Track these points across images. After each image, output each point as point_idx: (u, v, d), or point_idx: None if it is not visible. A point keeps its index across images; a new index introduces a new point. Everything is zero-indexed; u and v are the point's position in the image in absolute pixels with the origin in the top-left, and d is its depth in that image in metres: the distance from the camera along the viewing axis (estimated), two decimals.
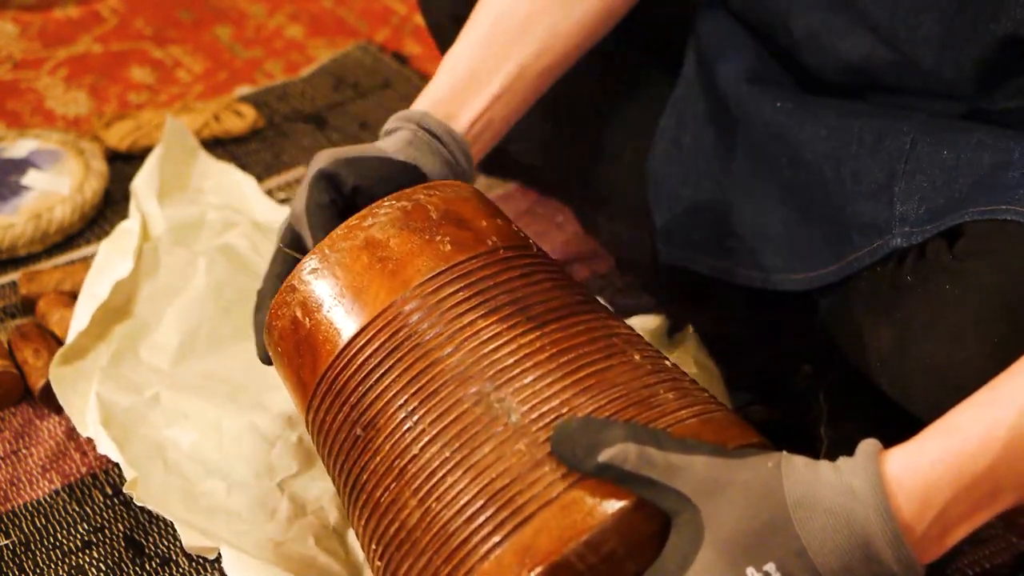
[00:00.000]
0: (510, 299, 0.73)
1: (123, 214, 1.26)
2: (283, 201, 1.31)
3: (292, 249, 0.87)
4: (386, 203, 0.77)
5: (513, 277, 0.74)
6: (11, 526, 0.98)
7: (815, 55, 0.93)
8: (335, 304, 0.74)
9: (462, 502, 0.66)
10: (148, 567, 0.95)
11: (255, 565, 0.89)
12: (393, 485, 0.70)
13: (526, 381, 0.69)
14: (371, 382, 0.72)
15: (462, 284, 0.73)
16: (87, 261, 1.20)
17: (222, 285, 1.13)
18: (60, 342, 1.11)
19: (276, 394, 1.04)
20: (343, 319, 0.74)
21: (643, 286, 1.19)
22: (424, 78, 1.55)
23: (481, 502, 0.66)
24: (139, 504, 0.94)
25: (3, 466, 1.04)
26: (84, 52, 1.62)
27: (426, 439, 0.69)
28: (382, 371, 0.71)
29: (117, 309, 1.10)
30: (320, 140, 1.43)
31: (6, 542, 0.97)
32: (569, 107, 1.09)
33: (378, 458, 0.71)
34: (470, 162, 0.93)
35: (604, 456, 0.63)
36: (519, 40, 0.94)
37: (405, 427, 0.70)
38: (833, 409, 0.93)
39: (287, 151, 1.42)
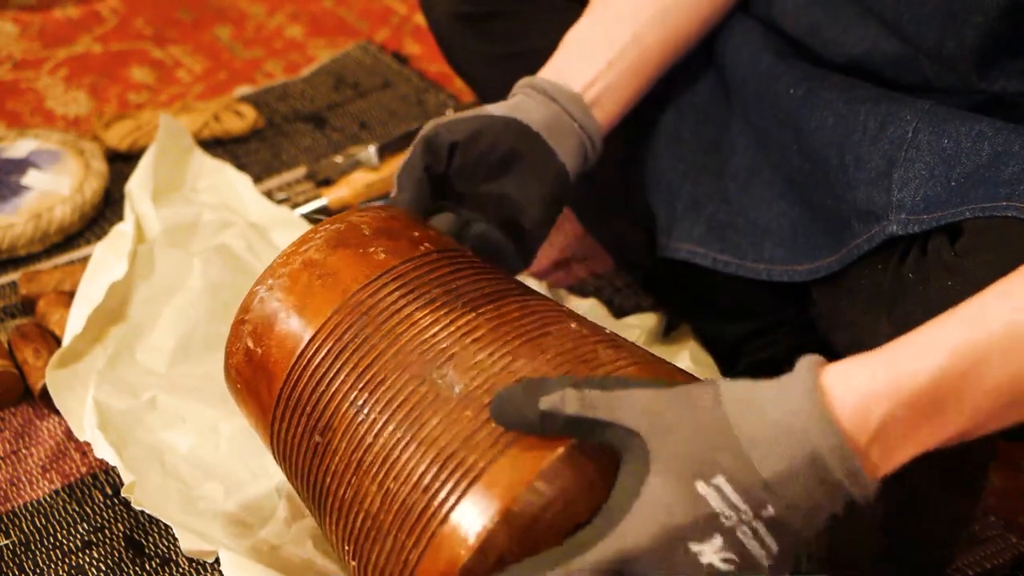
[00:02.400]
0: (443, 291, 0.76)
1: (122, 214, 1.26)
2: (282, 201, 1.31)
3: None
4: (321, 228, 0.81)
5: (445, 273, 0.78)
6: (11, 526, 0.98)
7: (819, 49, 0.93)
8: (282, 326, 0.78)
9: (417, 475, 0.69)
10: (148, 567, 0.95)
11: (254, 568, 0.89)
12: (353, 479, 0.72)
13: (466, 356, 0.72)
14: (323, 389, 0.75)
15: (397, 285, 0.76)
16: (87, 261, 1.20)
17: (218, 286, 1.13)
18: (60, 342, 1.11)
19: None
20: (290, 337, 0.77)
21: (643, 285, 1.19)
22: (424, 78, 1.55)
23: (435, 470, 0.68)
24: (137, 507, 0.94)
25: (3, 466, 1.04)
26: (84, 52, 1.62)
27: (378, 427, 0.71)
28: (331, 376, 0.74)
29: (112, 312, 1.10)
30: (320, 140, 1.43)
31: (6, 542, 0.97)
32: None
33: (337, 457, 0.73)
34: (590, 119, 0.93)
35: (544, 404, 0.65)
36: (632, 13, 0.96)
37: (358, 421, 0.72)
38: None
39: (287, 151, 1.42)
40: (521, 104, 0.92)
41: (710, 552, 0.63)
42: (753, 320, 1.06)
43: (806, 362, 0.65)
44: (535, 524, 0.65)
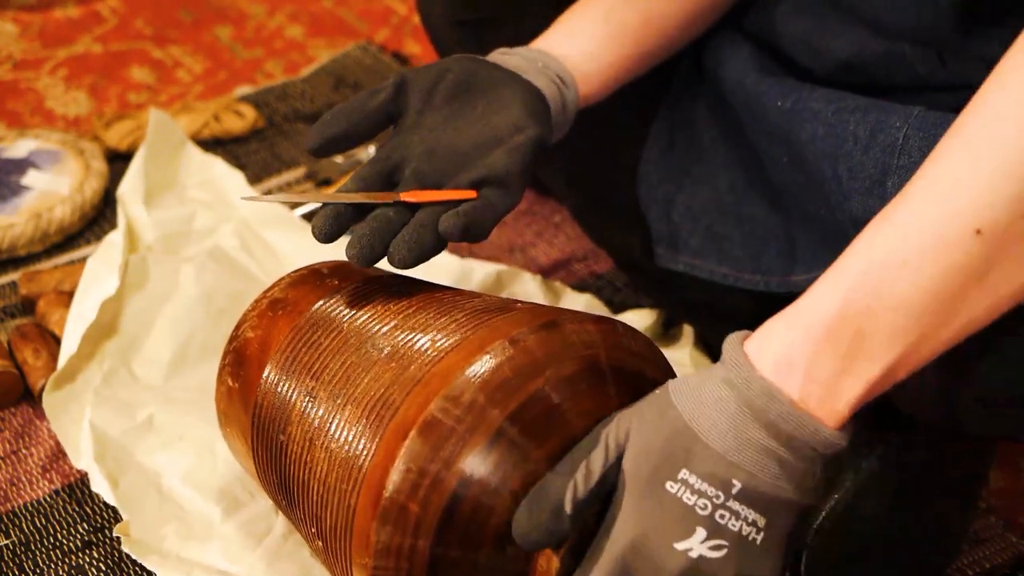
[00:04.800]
0: (385, 296, 0.83)
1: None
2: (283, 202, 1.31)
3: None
4: (286, 276, 0.89)
5: (392, 286, 0.85)
6: (11, 526, 0.98)
7: (807, 57, 0.93)
8: (251, 355, 0.85)
9: (352, 428, 0.75)
10: (148, 567, 0.95)
11: None
12: (308, 457, 0.78)
13: (394, 329, 0.79)
14: (284, 395, 0.81)
15: (347, 299, 0.83)
16: (87, 261, 1.20)
17: (212, 292, 1.12)
18: (60, 342, 1.11)
19: None
20: (257, 362, 0.84)
21: (642, 287, 1.19)
22: None
23: (365, 417, 0.74)
24: (125, 551, 0.93)
25: (3, 466, 1.04)
26: (84, 52, 1.62)
27: (323, 402, 0.78)
28: (289, 383, 0.81)
29: (106, 327, 1.10)
30: None
31: (6, 542, 0.97)
32: None
33: (295, 444, 0.79)
34: (570, 82, 0.91)
35: (568, 506, 0.67)
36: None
37: (310, 408, 0.79)
38: None
39: (287, 151, 1.42)
40: (494, 55, 0.92)
41: (697, 545, 0.65)
42: (753, 323, 1.07)
43: (730, 338, 0.68)
44: (450, 435, 0.70)
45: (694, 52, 1.03)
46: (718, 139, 1.00)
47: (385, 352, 0.77)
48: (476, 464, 0.69)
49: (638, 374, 0.75)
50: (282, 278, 0.89)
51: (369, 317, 0.81)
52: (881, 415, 0.92)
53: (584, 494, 0.67)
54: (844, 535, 0.91)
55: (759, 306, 1.02)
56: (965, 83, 0.85)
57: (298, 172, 1.38)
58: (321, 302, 0.84)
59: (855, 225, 0.85)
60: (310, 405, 0.79)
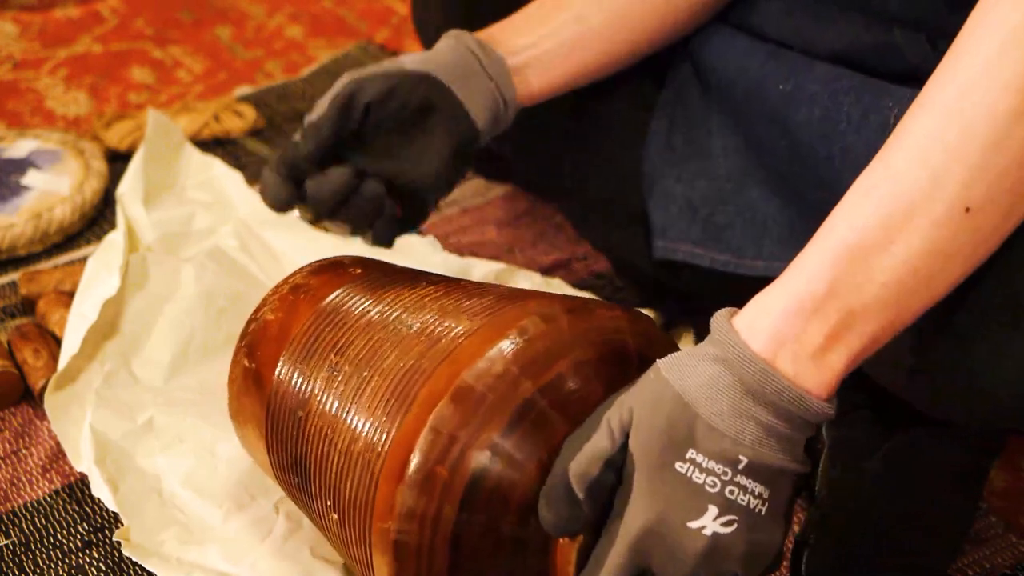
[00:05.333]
0: (408, 281, 0.84)
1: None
2: None
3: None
4: (307, 265, 0.90)
5: (411, 275, 0.87)
6: (11, 526, 0.98)
7: (801, 49, 0.93)
8: (270, 338, 0.85)
9: (381, 400, 0.75)
10: (149, 568, 0.95)
11: None
12: (328, 429, 0.77)
13: (424, 308, 0.80)
14: (305, 370, 0.81)
15: (371, 285, 0.85)
16: (87, 261, 1.20)
17: (212, 292, 1.12)
18: (60, 342, 1.11)
19: None
20: (276, 341, 0.85)
21: (641, 287, 1.19)
22: None
23: (394, 386, 0.74)
24: (126, 554, 0.93)
25: (3, 466, 1.04)
26: (84, 52, 1.62)
27: (348, 376, 0.78)
28: (313, 360, 0.81)
29: (107, 327, 1.10)
30: None
31: (6, 542, 0.97)
32: (559, 111, 1.10)
33: (314, 418, 0.79)
34: (508, 83, 0.95)
35: (580, 492, 0.68)
36: None
37: (332, 380, 0.79)
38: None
39: None
40: (439, 54, 0.95)
41: (710, 523, 0.66)
42: None
43: (718, 315, 0.69)
44: (483, 401, 0.70)
45: (688, 51, 1.03)
46: (715, 129, 1.00)
47: (414, 328, 0.77)
48: (506, 433, 0.70)
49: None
50: (302, 267, 0.90)
51: (395, 299, 0.82)
52: (882, 416, 0.92)
53: (594, 477, 0.67)
54: (847, 534, 0.90)
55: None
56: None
57: None
58: (344, 288, 0.85)
59: None
60: (334, 379, 0.79)
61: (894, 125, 0.81)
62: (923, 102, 0.68)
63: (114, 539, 0.94)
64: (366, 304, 0.82)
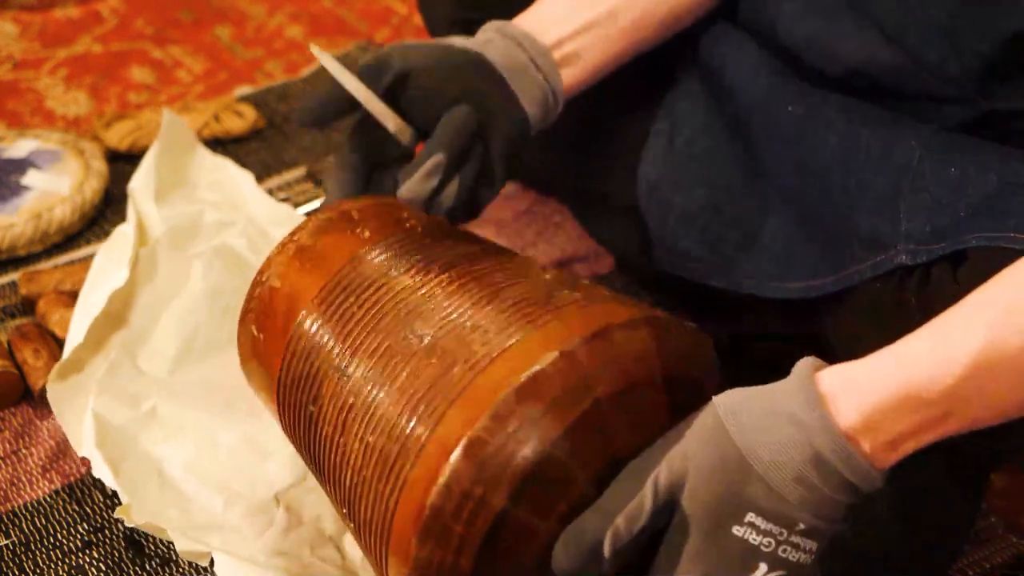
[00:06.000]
0: (422, 256, 0.80)
1: (123, 214, 1.26)
2: (282, 200, 1.31)
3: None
4: (313, 216, 0.85)
5: (427, 243, 0.82)
6: (11, 526, 0.98)
7: (816, 59, 0.92)
8: (278, 310, 0.83)
9: (391, 424, 0.72)
10: (148, 567, 0.95)
11: (249, 571, 0.89)
12: (341, 440, 0.75)
13: (435, 311, 0.76)
14: (312, 361, 0.79)
15: (380, 257, 0.81)
16: (87, 261, 1.20)
17: (219, 289, 1.13)
18: (60, 342, 1.11)
19: None
20: (284, 317, 0.82)
21: (641, 286, 1.19)
22: None
23: (405, 417, 0.72)
24: (130, 526, 0.93)
25: (3, 466, 1.04)
26: (84, 52, 1.62)
27: (358, 387, 0.75)
28: (319, 349, 0.79)
29: (113, 318, 1.10)
30: (320, 140, 1.43)
31: (6, 542, 0.97)
32: (569, 110, 1.10)
33: (326, 424, 0.77)
34: (556, 76, 0.92)
35: (608, 552, 0.67)
36: None
37: (342, 385, 0.76)
38: None
39: (287, 151, 1.42)
40: (488, 44, 0.91)
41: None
42: (753, 322, 1.06)
43: (803, 366, 0.67)
44: (497, 455, 0.67)
45: (694, 50, 1.03)
46: (718, 139, 1.00)
47: (425, 343, 0.74)
48: (522, 486, 0.68)
49: (688, 380, 0.73)
50: (308, 220, 0.86)
51: (406, 288, 0.78)
52: None
53: (627, 539, 0.67)
54: (845, 535, 0.90)
55: (758, 304, 1.02)
56: (981, 102, 0.85)
57: (298, 172, 1.38)
58: (352, 261, 0.81)
59: (861, 240, 0.85)
60: (343, 384, 0.77)
61: (917, 166, 0.81)
62: None
63: (116, 515, 0.94)
64: (376, 290, 0.79)
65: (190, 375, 1.08)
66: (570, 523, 0.69)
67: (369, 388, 0.75)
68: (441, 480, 0.67)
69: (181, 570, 0.95)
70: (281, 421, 0.84)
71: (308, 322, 0.80)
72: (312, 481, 0.99)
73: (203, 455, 1.00)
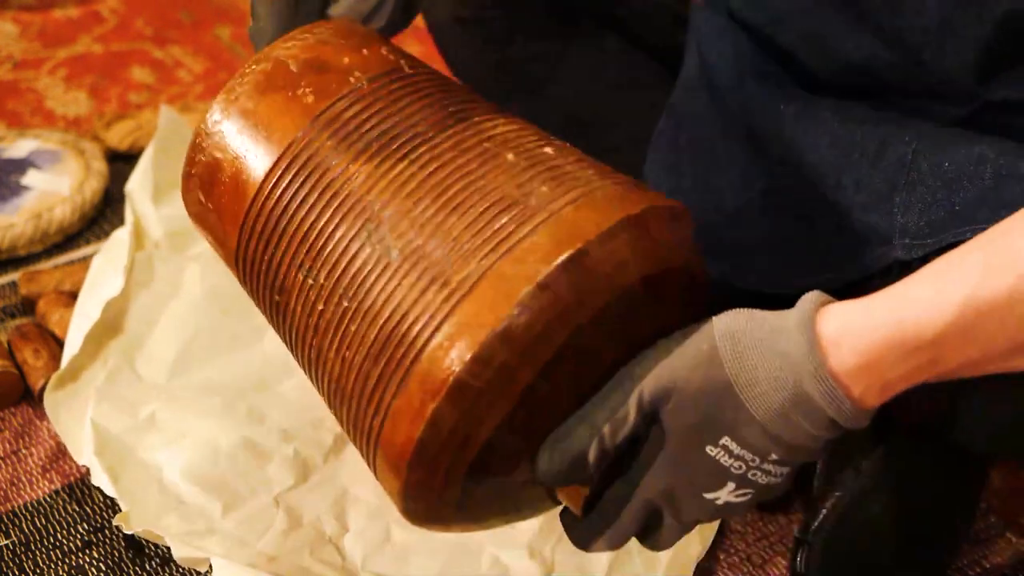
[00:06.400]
0: (377, 134, 0.73)
1: (123, 214, 1.26)
2: None
3: None
4: (248, 68, 0.78)
5: (379, 110, 0.74)
6: (11, 526, 0.98)
7: (815, 57, 0.92)
8: (225, 182, 0.76)
9: (369, 344, 0.69)
10: (148, 567, 0.95)
11: (247, 574, 0.89)
12: (313, 340, 0.72)
13: (401, 213, 0.70)
14: (273, 252, 0.74)
15: (328, 133, 0.74)
16: (87, 261, 1.20)
17: (218, 291, 1.12)
18: (60, 342, 1.11)
19: (274, 399, 1.04)
20: (232, 198, 0.76)
21: None
22: None
23: (382, 343, 0.68)
24: (128, 532, 0.93)
25: (3, 466, 1.04)
26: (84, 52, 1.62)
27: (326, 294, 0.71)
28: (279, 241, 0.73)
29: (110, 326, 1.10)
30: None
31: (6, 542, 0.97)
32: (566, 110, 1.10)
33: (295, 319, 0.74)
34: None
35: (593, 460, 0.68)
36: None
37: (308, 286, 0.72)
38: None
39: None
40: None
41: (725, 495, 0.68)
42: None
43: (807, 303, 0.67)
44: (481, 396, 0.66)
45: (697, 50, 1.03)
46: (718, 136, 1.00)
47: (393, 257, 0.69)
48: (511, 418, 0.68)
49: (673, 271, 0.71)
50: (243, 73, 0.78)
51: (365, 177, 0.72)
52: (881, 413, 0.92)
53: (610, 447, 0.68)
54: (844, 534, 0.90)
55: (761, 303, 1.02)
56: (981, 95, 0.85)
57: None
58: (301, 134, 0.74)
59: (857, 237, 0.85)
60: (308, 286, 0.72)
61: (912, 161, 0.81)
62: None
63: (114, 523, 0.94)
64: (335, 179, 0.72)
65: (189, 379, 1.08)
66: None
67: (339, 299, 0.71)
68: (426, 417, 0.67)
69: (181, 570, 0.95)
70: (244, 287, 0.79)
71: (262, 207, 0.74)
72: (311, 484, 0.99)
73: (202, 460, 1.00)
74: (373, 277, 0.69)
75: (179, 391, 1.06)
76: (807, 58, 0.93)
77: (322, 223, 0.72)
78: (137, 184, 1.25)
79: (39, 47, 1.63)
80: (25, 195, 1.27)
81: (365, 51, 0.78)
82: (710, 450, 0.67)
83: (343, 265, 0.71)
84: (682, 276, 0.72)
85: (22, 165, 1.31)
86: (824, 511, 0.90)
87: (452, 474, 0.69)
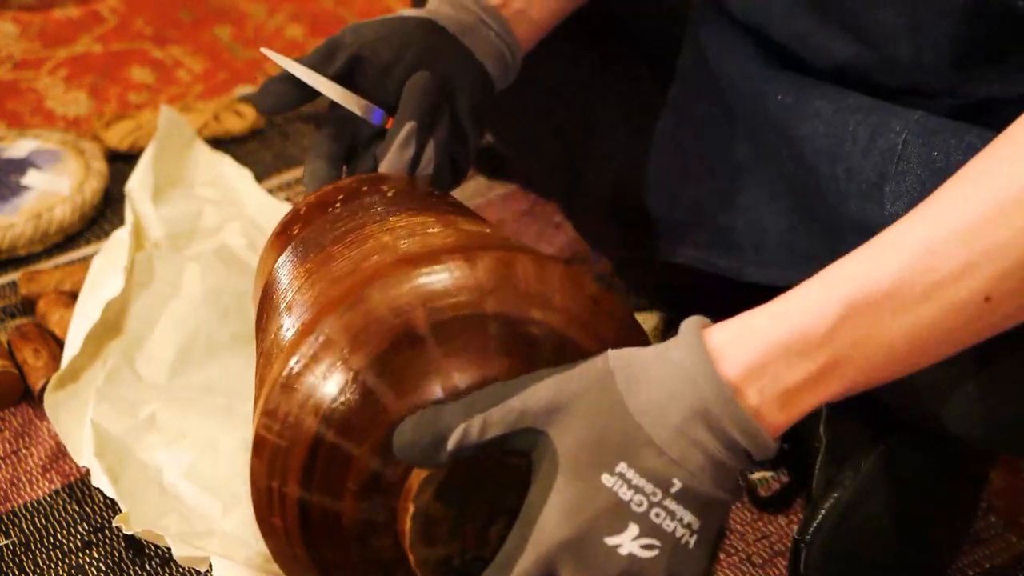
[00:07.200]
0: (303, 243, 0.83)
1: (123, 214, 1.26)
2: (284, 200, 1.31)
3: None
4: (300, 204, 0.87)
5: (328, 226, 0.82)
6: (11, 526, 0.98)
7: (809, 55, 0.93)
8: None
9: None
10: (148, 567, 0.95)
11: (247, 574, 0.89)
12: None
13: (296, 304, 0.76)
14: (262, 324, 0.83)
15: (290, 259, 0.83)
16: (87, 261, 1.20)
17: (218, 291, 1.12)
18: (60, 342, 1.11)
19: None
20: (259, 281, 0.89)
21: (642, 286, 1.19)
22: None
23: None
24: (128, 533, 0.93)
25: (3, 466, 1.04)
26: (84, 52, 1.62)
27: (261, 351, 0.79)
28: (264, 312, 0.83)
29: (110, 327, 1.10)
30: None
31: (6, 542, 0.97)
32: (563, 109, 1.10)
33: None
34: (509, 33, 0.93)
35: (452, 444, 0.64)
36: None
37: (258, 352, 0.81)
38: (831, 408, 0.93)
39: (287, 151, 1.42)
40: (436, 11, 0.92)
41: (628, 542, 0.63)
42: None
43: (689, 324, 0.65)
44: (278, 450, 0.69)
45: (695, 47, 1.03)
46: (721, 129, 1.00)
47: (284, 339, 0.74)
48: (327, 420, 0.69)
49: (527, 321, 0.69)
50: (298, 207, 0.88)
51: (286, 273, 0.82)
52: (881, 416, 0.92)
53: (472, 443, 0.64)
54: (844, 534, 0.90)
55: (758, 297, 1.02)
56: (964, 89, 0.85)
57: (298, 172, 1.38)
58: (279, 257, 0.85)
59: (852, 227, 0.85)
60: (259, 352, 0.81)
61: (902, 151, 0.81)
62: (977, 178, 0.65)
63: (114, 524, 0.94)
64: (275, 283, 0.83)
65: (190, 379, 1.08)
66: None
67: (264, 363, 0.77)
68: (250, 475, 0.70)
69: (181, 570, 0.95)
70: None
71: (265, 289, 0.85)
72: None
73: (203, 460, 1.00)
74: (261, 373, 0.75)
75: (179, 391, 1.06)
76: (804, 56, 0.93)
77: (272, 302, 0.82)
78: (137, 184, 1.25)
79: (39, 47, 1.63)
80: (25, 195, 1.27)
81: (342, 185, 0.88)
82: (606, 479, 0.62)
83: (271, 335, 0.78)
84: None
85: (22, 165, 1.31)
86: (824, 511, 0.90)
87: (292, 537, 0.70)
